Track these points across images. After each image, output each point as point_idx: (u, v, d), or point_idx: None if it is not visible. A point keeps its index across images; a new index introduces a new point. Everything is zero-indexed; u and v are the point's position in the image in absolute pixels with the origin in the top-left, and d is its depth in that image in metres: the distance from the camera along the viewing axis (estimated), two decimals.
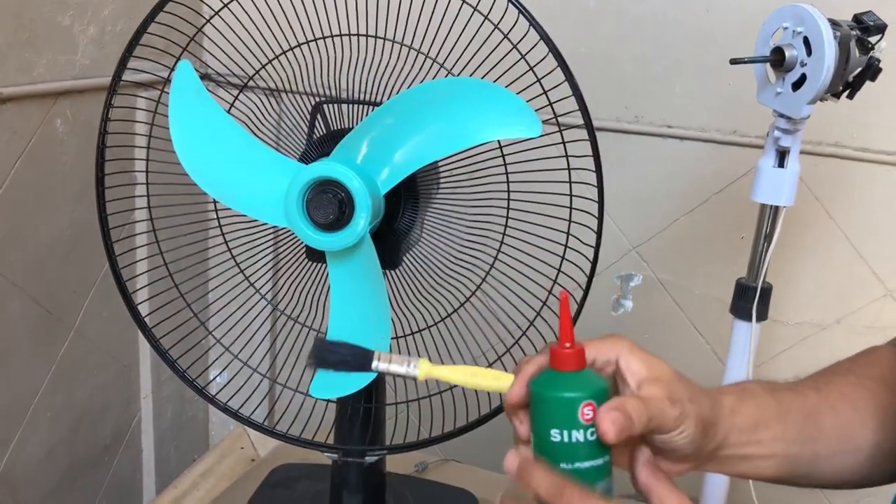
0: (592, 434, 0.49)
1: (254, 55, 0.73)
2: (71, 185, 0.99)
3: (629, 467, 0.54)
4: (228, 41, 0.73)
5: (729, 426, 0.53)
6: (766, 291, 0.91)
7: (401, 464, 0.91)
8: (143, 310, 0.77)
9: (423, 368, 0.54)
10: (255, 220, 0.72)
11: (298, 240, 0.68)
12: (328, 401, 0.77)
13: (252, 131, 0.71)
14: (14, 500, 0.97)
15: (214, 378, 0.80)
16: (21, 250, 0.95)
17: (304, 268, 0.76)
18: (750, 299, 0.90)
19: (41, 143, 0.95)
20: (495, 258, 0.73)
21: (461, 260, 0.74)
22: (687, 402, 0.50)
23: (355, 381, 0.72)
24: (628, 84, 1.11)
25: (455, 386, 0.74)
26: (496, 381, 0.54)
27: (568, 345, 0.50)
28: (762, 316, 0.90)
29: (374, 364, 0.53)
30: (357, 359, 0.54)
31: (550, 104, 0.65)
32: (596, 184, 0.66)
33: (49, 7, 0.94)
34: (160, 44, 0.71)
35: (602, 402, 0.49)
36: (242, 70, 0.74)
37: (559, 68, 0.64)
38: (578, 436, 0.49)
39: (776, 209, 0.91)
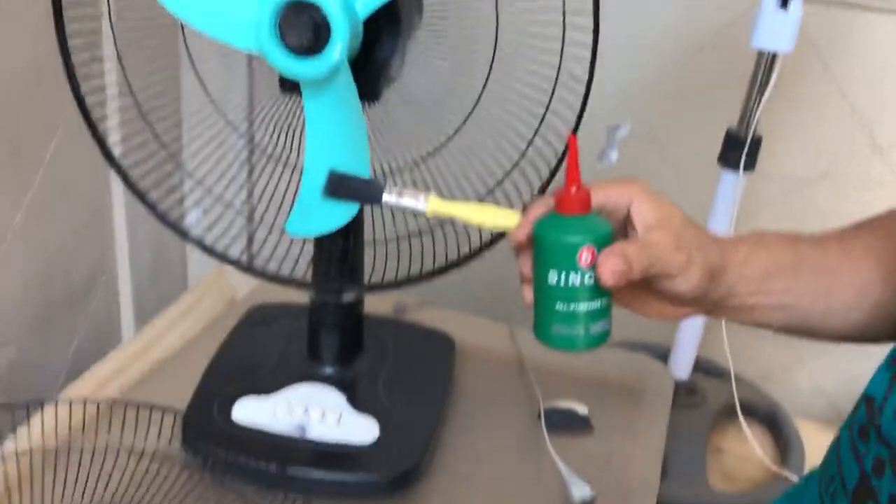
0: (590, 278, 0.49)
1: None
2: (30, 13, 0.93)
3: (633, 305, 0.55)
4: None
5: (737, 276, 0.53)
6: (757, 142, 0.89)
7: (379, 305, 0.92)
8: (115, 146, 0.74)
9: (431, 204, 0.54)
10: (228, 50, 0.68)
11: (273, 71, 0.65)
12: (305, 240, 0.76)
13: None
14: None
15: (190, 214, 0.78)
16: None
17: (279, 101, 0.72)
18: (739, 148, 0.88)
19: None
20: (480, 95, 0.70)
21: (444, 95, 0.71)
22: (694, 250, 0.50)
23: (331, 220, 0.71)
24: None
25: (433, 230, 0.74)
26: (504, 219, 0.54)
27: (574, 188, 0.50)
28: (750, 166, 0.89)
29: (385, 196, 0.54)
30: (368, 190, 0.56)
31: None
32: (592, 22, 0.62)
33: None
34: None
35: (603, 247, 0.49)
36: None
37: None
38: (575, 279, 0.49)
39: (773, 57, 0.88)
